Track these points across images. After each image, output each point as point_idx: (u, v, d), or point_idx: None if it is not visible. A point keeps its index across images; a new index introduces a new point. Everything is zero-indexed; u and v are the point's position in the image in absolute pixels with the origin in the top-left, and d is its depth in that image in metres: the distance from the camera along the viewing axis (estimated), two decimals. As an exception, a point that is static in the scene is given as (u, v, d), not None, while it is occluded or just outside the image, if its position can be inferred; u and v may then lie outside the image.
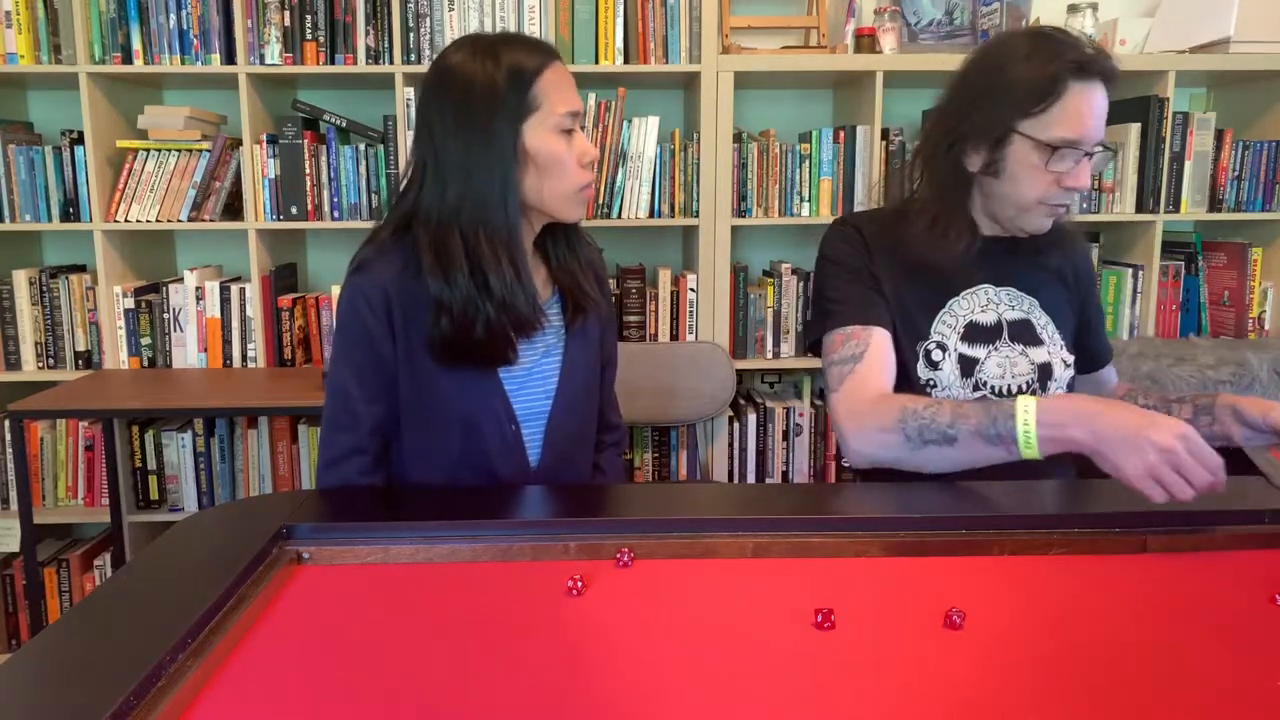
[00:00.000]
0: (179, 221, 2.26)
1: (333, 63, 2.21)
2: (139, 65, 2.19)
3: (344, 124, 2.28)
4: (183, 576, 0.89)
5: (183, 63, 2.20)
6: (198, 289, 2.30)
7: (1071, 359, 1.39)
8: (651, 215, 2.30)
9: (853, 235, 1.36)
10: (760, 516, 1.03)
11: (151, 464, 2.34)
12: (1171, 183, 2.33)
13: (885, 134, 2.29)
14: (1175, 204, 2.33)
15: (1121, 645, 0.80)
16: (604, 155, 2.25)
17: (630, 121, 2.26)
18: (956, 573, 0.95)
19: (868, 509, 1.08)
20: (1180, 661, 0.77)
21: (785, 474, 2.45)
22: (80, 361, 2.32)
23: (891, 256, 1.34)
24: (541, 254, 1.30)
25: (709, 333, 2.33)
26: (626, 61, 2.23)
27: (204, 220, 2.26)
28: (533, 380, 1.27)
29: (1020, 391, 1.33)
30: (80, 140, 2.23)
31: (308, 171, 2.25)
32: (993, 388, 1.33)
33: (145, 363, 2.32)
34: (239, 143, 2.26)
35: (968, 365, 1.32)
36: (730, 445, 2.42)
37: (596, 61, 2.23)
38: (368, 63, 2.21)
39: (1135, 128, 2.29)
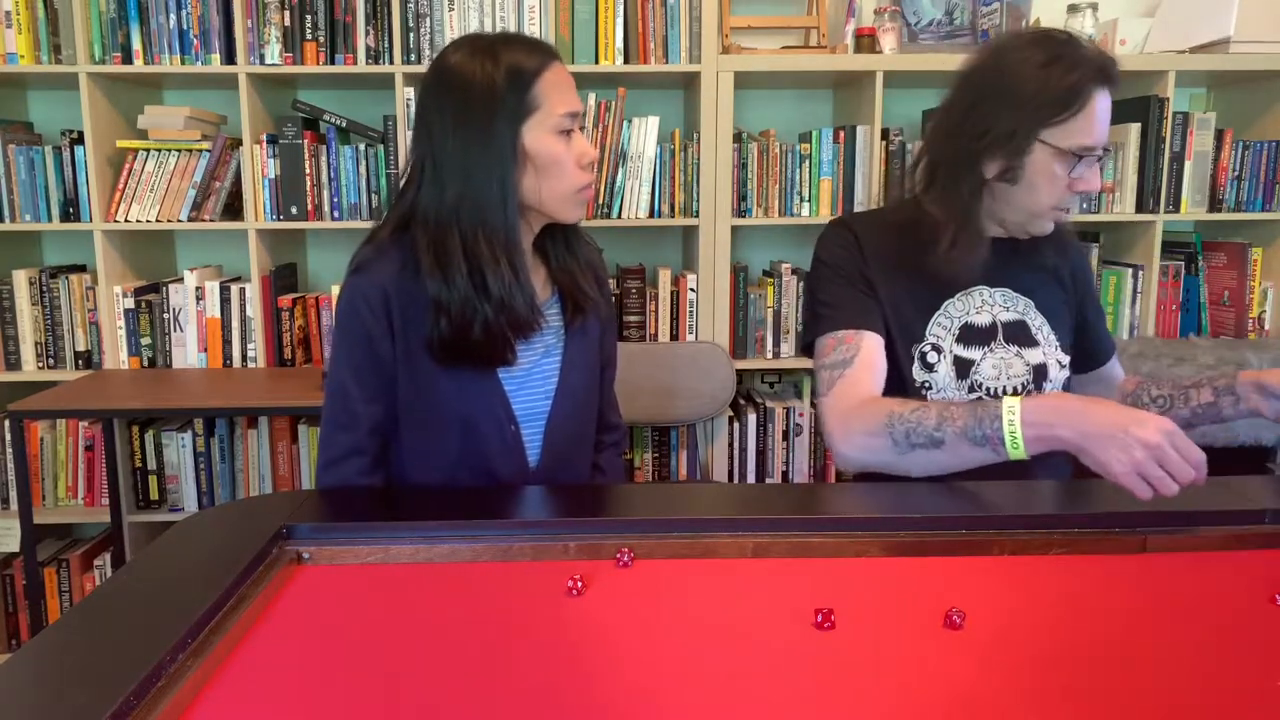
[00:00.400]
0: (179, 221, 2.26)
1: (333, 63, 2.21)
2: (139, 65, 2.19)
3: (344, 124, 2.28)
4: (183, 576, 0.89)
5: (183, 63, 2.20)
6: (198, 289, 2.30)
7: (1067, 360, 1.38)
8: (651, 215, 2.30)
9: (848, 238, 1.35)
10: (760, 516, 1.03)
11: (151, 464, 2.34)
12: (1171, 183, 2.32)
13: (885, 134, 2.29)
14: (1175, 204, 2.33)
15: (1121, 645, 0.80)
16: (604, 155, 2.25)
17: (630, 121, 2.26)
18: (956, 573, 0.95)
19: (868, 509, 1.08)
20: (1180, 661, 0.77)
21: (785, 474, 2.45)
22: (80, 361, 2.32)
23: (887, 258, 1.33)
24: (541, 254, 1.30)
25: (709, 333, 2.33)
26: (626, 61, 2.23)
27: (204, 220, 2.26)
28: (532, 380, 1.27)
29: (1016, 393, 1.33)
30: (80, 140, 2.23)
31: (308, 171, 2.25)
32: (988, 389, 1.33)
33: (145, 363, 2.32)
34: (239, 143, 2.26)
35: (963, 367, 1.32)
36: (730, 445, 2.42)
37: (596, 61, 2.23)
38: (368, 63, 2.21)
39: (1135, 128, 2.29)
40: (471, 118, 1.14)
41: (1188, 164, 2.32)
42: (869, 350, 1.28)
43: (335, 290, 2.31)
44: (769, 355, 2.39)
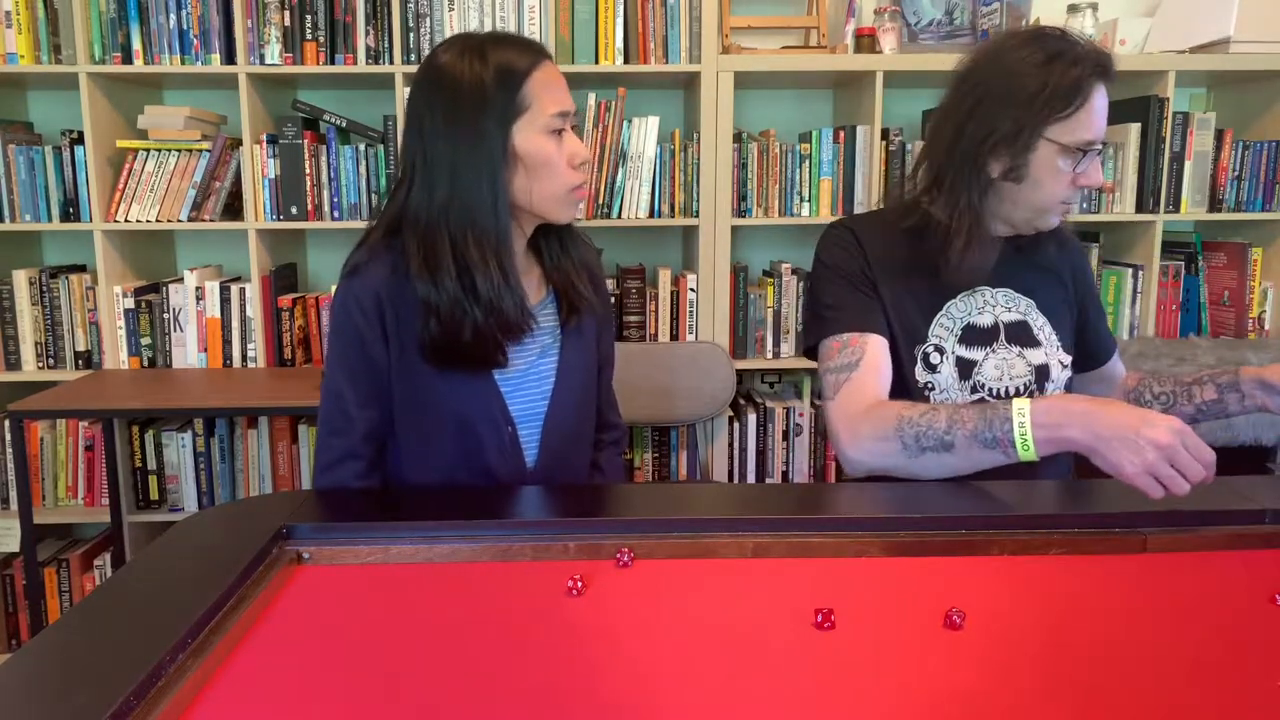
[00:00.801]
0: (179, 221, 2.26)
1: (333, 63, 2.21)
2: (139, 65, 2.19)
3: (344, 124, 2.28)
4: (183, 576, 0.89)
5: (183, 63, 2.20)
6: (198, 289, 2.30)
7: (1069, 360, 1.38)
8: (651, 215, 2.29)
9: (849, 239, 1.35)
10: (760, 516, 1.03)
11: (151, 464, 2.34)
12: (1171, 183, 2.32)
13: (885, 134, 2.29)
14: (1175, 204, 2.33)
15: (1121, 645, 0.80)
16: (604, 155, 2.25)
17: (630, 121, 2.26)
18: (956, 573, 0.95)
19: (868, 509, 1.08)
20: (1180, 661, 0.77)
21: (785, 474, 2.45)
22: (80, 361, 2.32)
23: (889, 260, 1.33)
24: (536, 254, 1.30)
25: (709, 333, 2.33)
26: (626, 61, 2.23)
27: (204, 220, 2.26)
28: (529, 381, 1.27)
29: (1018, 393, 1.33)
30: (80, 140, 2.23)
31: (308, 171, 2.25)
32: (990, 390, 1.33)
33: (145, 363, 2.32)
34: (239, 143, 2.26)
35: (965, 368, 1.32)
36: (730, 445, 2.42)
37: (596, 61, 2.23)
38: (368, 63, 2.21)
39: (1135, 128, 2.29)
40: (461, 118, 1.14)
41: (1188, 164, 2.32)
42: (874, 353, 1.28)
43: (334, 290, 2.31)
44: (769, 355, 2.39)
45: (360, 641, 0.81)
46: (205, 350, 2.32)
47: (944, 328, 1.33)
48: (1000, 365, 1.33)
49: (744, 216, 2.32)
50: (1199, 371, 1.38)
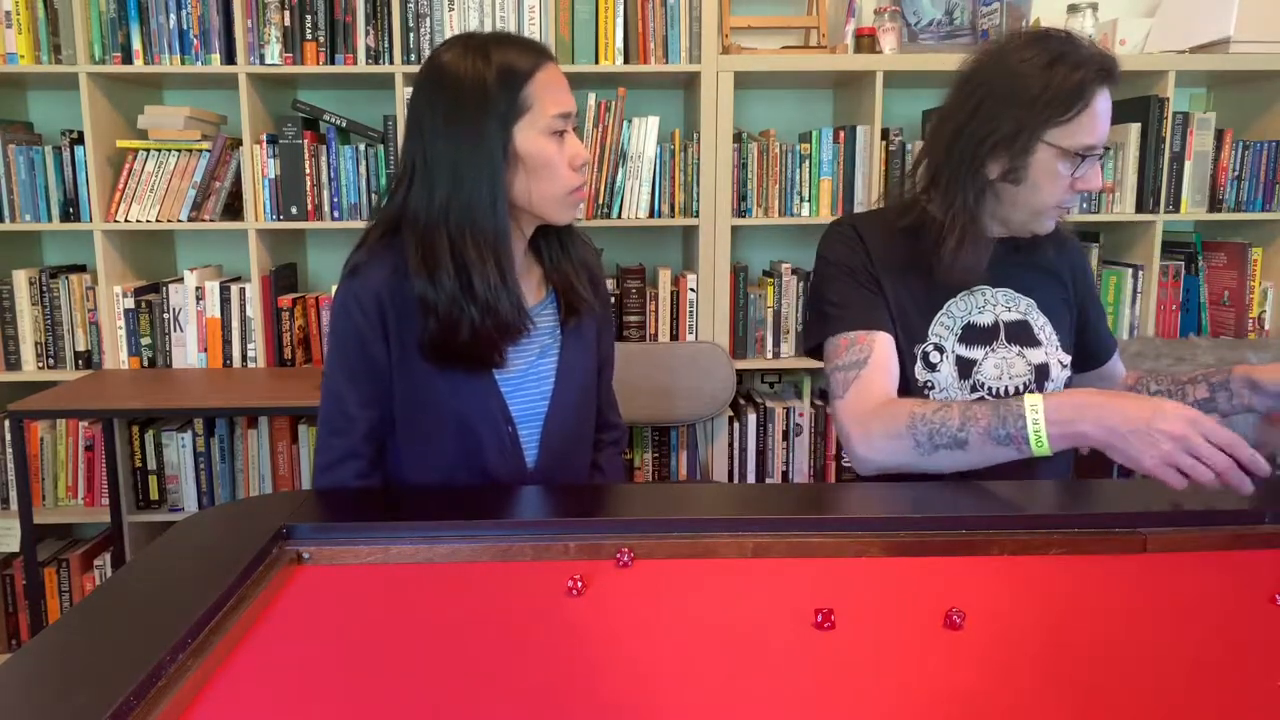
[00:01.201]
0: (179, 221, 2.26)
1: (333, 63, 2.21)
2: (139, 65, 2.19)
3: (344, 124, 2.28)
4: (183, 576, 0.89)
5: (183, 63, 2.20)
6: (198, 289, 2.30)
7: (1068, 359, 1.39)
8: (651, 215, 2.29)
9: (852, 236, 1.35)
10: (760, 516, 1.03)
11: (151, 464, 2.34)
12: (1171, 183, 2.32)
13: (885, 134, 2.29)
14: (1175, 204, 2.33)
15: (1121, 645, 0.80)
16: (604, 155, 2.25)
17: (630, 121, 2.26)
18: (956, 573, 0.95)
19: (868, 509, 1.08)
20: (1180, 661, 0.77)
21: (785, 474, 2.45)
22: (80, 361, 2.32)
23: (891, 258, 1.33)
24: (535, 255, 1.30)
25: (709, 333, 2.33)
26: (626, 61, 2.23)
27: (204, 220, 2.26)
28: (529, 382, 1.27)
29: (1017, 393, 1.33)
30: (80, 140, 2.23)
31: (308, 171, 2.25)
32: (990, 389, 1.33)
33: (145, 363, 2.32)
34: (239, 143, 2.26)
35: (965, 367, 1.32)
36: (730, 445, 2.42)
37: (596, 61, 2.23)
38: (368, 63, 2.21)
39: (1135, 128, 2.29)
40: (462, 117, 1.14)
41: (1188, 164, 2.32)
42: (882, 351, 1.28)
43: (335, 290, 2.31)
44: (769, 355, 2.39)
45: (360, 641, 0.81)
46: (205, 350, 2.32)
47: (944, 326, 1.33)
48: (1000, 365, 1.33)
49: (744, 216, 2.32)
50: (1195, 371, 1.39)
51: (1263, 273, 2.41)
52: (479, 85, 1.13)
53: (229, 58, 2.20)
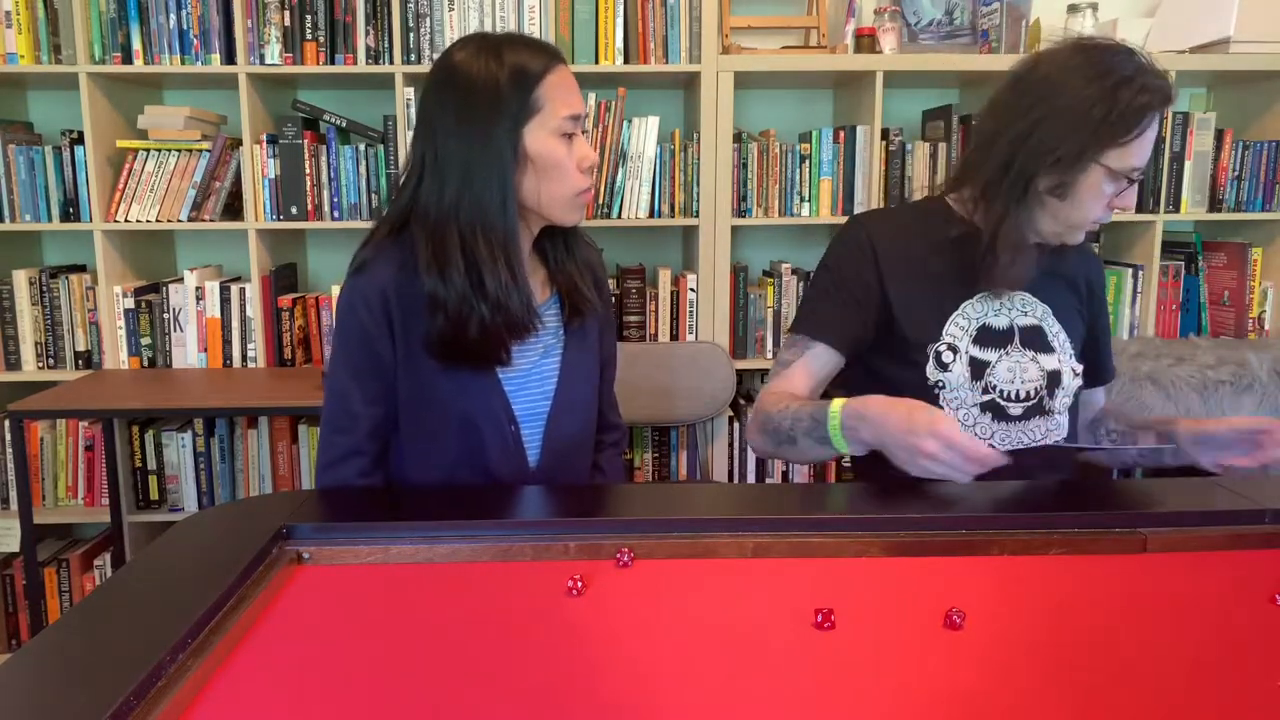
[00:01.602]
0: (179, 221, 2.26)
1: (333, 63, 2.21)
2: (139, 65, 2.19)
3: (344, 124, 2.28)
4: (183, 576, 0.89)
5: (183, 63, 2.20)
6: (198, 289, 2.30)
7: (1080, 368, 1.39)
8: (651, 215, 2.30)
9: (861, 240, 1.35)
10: (760, 516, 1.03)
11: (151, 464, 2.34)
12: (1171, 183, 2.33)
13: (885, 134, 2.29)
14: (1175, 204, 2.33)
15: (1121, 645, 0.80)
16: (604, 155, 2.25)
17: (630, 121, 2.26)
18: (956, 573, 0.95)
19: (868, 509, 1.08)
20: (1180, 661, 0.77)
21: (785, 474, 2.45)
22: (80, 361, 2.32)
23: (904, 258, 1.33)
24: (540, 255, 1.30)
25: (709, 333, 2.33)
26: (626, 61, 2.23)
27: (204, 220, 2.26)
28: (532, 381, 1.27)
29: (1029, 397, 1.33)
30: (80, 140, 2.23)
31: (308, 171, 2.25)
32: (1002, 391, 1.33)
33: (145, 363, 2.32)
34: (239, 143, 2.26)
35: (978, 368, 1.32)
36: (730, 445, 2.42)
37: (596, 61, 2.23)
38: (368, 63, 2.21)
39: (1135, 128, 2.29)
40: (474, 116, 1.14)
41: (1188, 164, 2.33)
42: (812, 359, 1.34)
43: (335, 290, 2.31)
44: (769, 355, 2.39)
45: (360, 641, 0.81)
46: (205, 350, 2.32)
47: (959, 327, 1.33)
48: (1013, 368, 1.33)
49: (744, 216, 2.32)
50: (1149, 417, 1.41)
51: (1263, 273, 2.41)
52: (491, 85, 1.13)
53: (229, 58, 2.20)
